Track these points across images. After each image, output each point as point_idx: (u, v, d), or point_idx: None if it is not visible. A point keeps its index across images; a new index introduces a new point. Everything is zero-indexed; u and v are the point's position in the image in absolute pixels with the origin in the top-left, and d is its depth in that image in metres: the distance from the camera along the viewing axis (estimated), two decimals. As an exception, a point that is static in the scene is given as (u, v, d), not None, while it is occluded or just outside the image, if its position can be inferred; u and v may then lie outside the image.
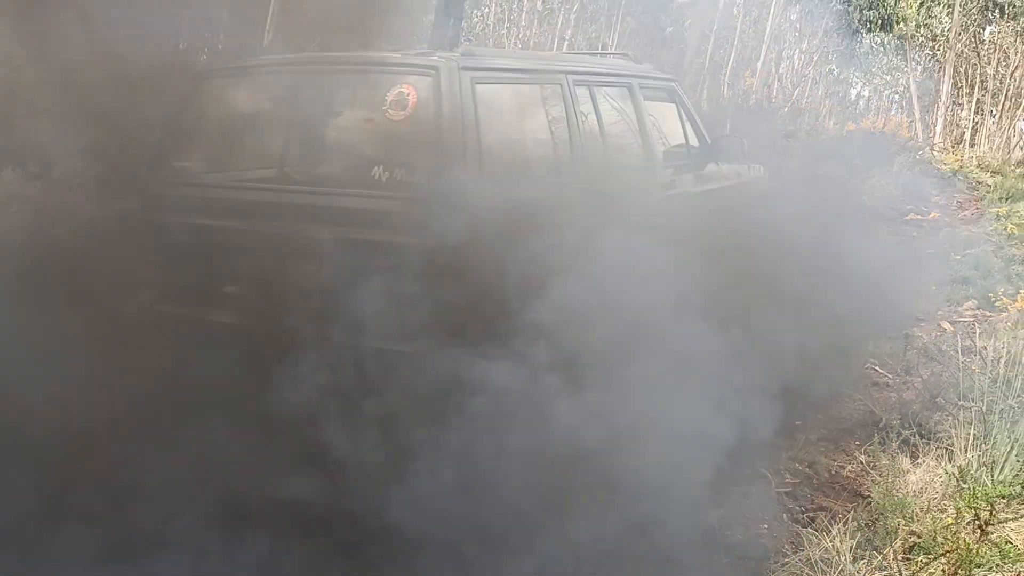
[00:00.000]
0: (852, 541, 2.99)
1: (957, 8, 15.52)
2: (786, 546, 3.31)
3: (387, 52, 4.36)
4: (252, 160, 4.02)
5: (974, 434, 3.65)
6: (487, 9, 13.92)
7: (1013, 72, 15.64)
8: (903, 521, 3.07)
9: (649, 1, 14.87)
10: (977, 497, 2.75)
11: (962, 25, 15.78)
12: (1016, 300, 6.15)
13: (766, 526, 3.58)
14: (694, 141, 5.02)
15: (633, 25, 15.15)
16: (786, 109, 14.61)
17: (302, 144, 3.86)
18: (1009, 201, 11.39)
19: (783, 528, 3.59)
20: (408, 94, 3.48)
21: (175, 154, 4.06)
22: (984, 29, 16.30)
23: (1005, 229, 9.74)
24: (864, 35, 16.55)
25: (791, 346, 4.01)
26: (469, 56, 3.79)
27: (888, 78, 18.44)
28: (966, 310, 6.87)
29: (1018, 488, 2.85)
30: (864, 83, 18.45)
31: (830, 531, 3.09)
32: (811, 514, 3.67)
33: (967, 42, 15.98)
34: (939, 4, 16.23)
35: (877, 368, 5.02)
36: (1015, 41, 15.63)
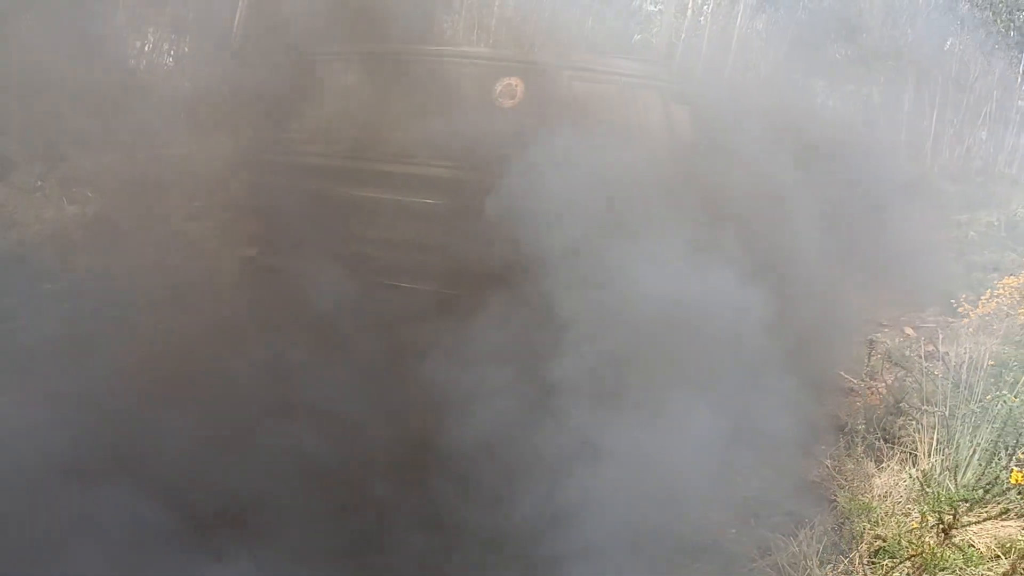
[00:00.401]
0: (819, 545, 3.01)
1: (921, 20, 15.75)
2: (754, 551, 3.32)
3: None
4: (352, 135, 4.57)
5: (937, 439, 3.69)
6: (457, 16, 13.91)
7: (973, 83, 15.93)
8: (868, 525, 3.09)
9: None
10: (940, 501, 2.78)
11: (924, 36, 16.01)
12: (977, 306, 6.24)
13: (734, 531, 3.59)
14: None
15: (602, 32, 15.21)
16: (753, 117, 14.71)
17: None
18: (970, 209, 11.60)
19: (751, 533, 3.60)
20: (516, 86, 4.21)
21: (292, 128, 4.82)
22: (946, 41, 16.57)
23: (967, 236, 9.92)
24: (831, 45, 16.74)
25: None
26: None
27: (852, 87, 18.66)
28: (929, 315, 6.97)
29: (980, 492, 2.88)
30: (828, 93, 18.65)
31: (797, 536, 3.11)
32: (778, 519, 3.69)
33: (928, 53, 16.22)
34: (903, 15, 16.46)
35: (843, 373, 5.07)
36: (976, 53, 15.92)
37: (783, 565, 2.95)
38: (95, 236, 5.51)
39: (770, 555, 3.11)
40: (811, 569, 2.83)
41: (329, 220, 4.30)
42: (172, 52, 10.33)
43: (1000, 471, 2.88)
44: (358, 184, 4.40)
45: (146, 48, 9.99)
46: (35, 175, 6.24)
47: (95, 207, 6.01)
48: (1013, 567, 2.66)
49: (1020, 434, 2.97)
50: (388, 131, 4.34)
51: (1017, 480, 2.42)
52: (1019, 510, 2.86)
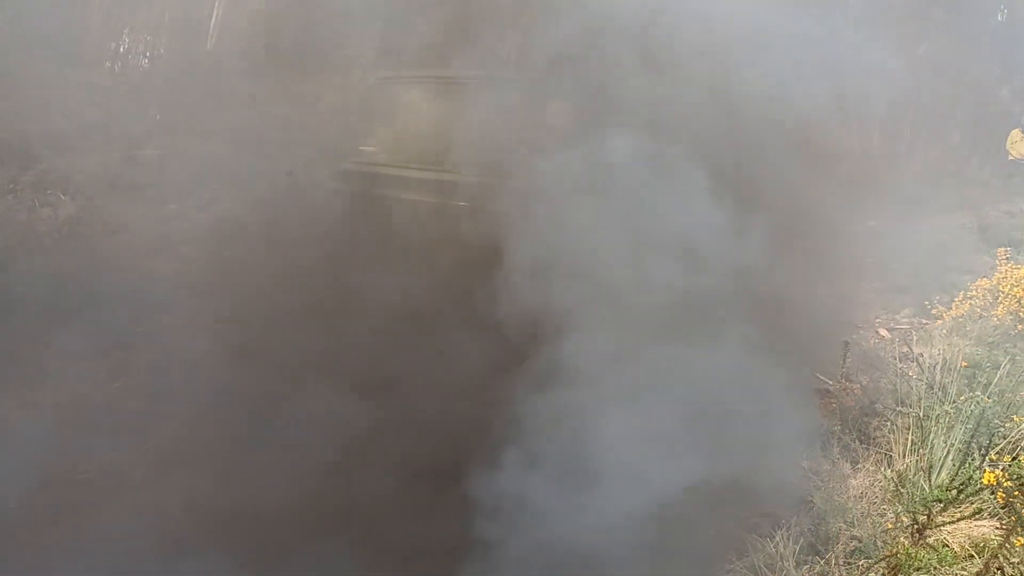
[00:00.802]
0: (795, 546, 3.03)
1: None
2: (731, 552, 3.34)
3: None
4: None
5: (912, 439, 3.72)
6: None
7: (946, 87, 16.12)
8: (844, 526, 3.11)
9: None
10: (915, 502, 2.80)
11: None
12: (951, 308, 6.30)
13: (711, 531, 3.60)
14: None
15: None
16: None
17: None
18: (943, 212, 11.73)
19: (729, 534, 3.62)
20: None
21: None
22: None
23: (940, 238, 10.03)
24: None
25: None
26: None
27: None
28: (903, 317, 7.03)
29: (954, 492, 2.90)
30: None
31: (774, 537, 3.12)
32: (756, 520, 3.70)
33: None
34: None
35: (818, 374, 5.09)
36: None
37: (760, 566, 2.97)
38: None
39: (747, 556, 3.12)
40: (788, 570, 2.85)
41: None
42: (148, 54, 10.25)
43: (973, 471, 2.91)
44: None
45: (121, 49, 9.90)
46: (8, 177, 6.17)
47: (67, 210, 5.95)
48: (986, 566, 2.68)
49: (993, 434, 3.00)
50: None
51: (990, 481, 2.45)
52: (992, 510, 2.89)
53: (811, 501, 3.66)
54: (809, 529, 3.29)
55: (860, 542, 3.07)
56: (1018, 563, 2.54)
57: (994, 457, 2.72)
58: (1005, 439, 3.35)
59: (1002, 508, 2.66)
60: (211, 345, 4.51)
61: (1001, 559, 2.66)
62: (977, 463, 3.07)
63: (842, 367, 4.60)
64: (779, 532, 3.14)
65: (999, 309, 5.80)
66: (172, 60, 9.51)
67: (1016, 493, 2.46)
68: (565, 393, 3.40)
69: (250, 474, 3.71)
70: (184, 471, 3.82)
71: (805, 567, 2.84)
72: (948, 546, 2.84)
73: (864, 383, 4.92)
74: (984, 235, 10.30)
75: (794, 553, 2.96)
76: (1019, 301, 5.68)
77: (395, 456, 3.79)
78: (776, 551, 3.01)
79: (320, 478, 3.67)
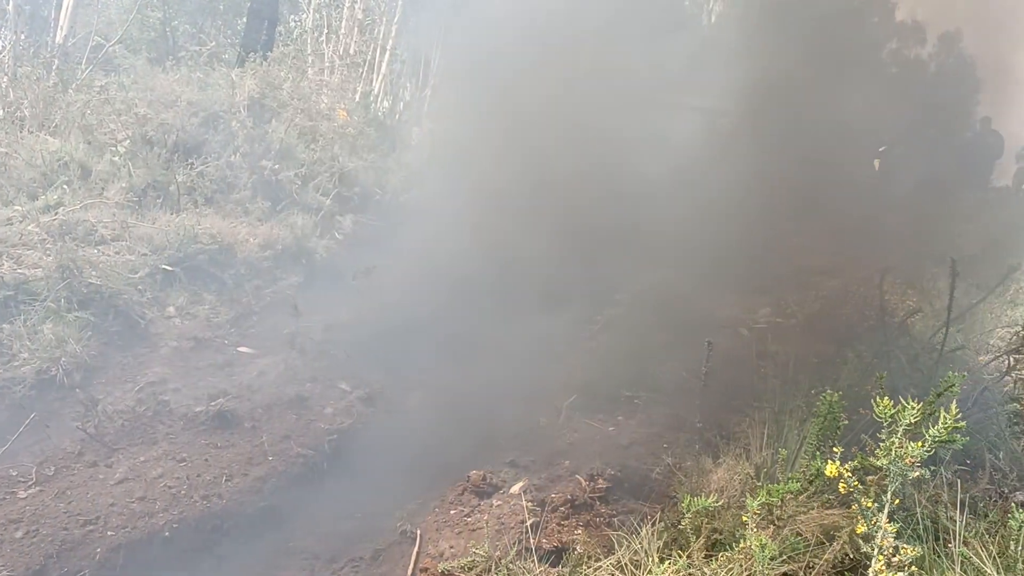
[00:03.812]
0: (659, 542, 3.09)
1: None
2: (599, 550, 3.37)
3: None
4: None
5: (768, 433, 3.88)
6: (304, 15, 13.53)
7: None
8: (706, 519, 3.19)
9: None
10: (771, 493, 2.89)
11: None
12: (804, 307, 6.63)
13: (580, 531, 3.63)
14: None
15: (458, 41, 15.20)
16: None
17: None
18: (799, 216, 12.32)
19: (597, 532, 3.66)
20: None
21: None
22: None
23: (796, 241, 10.52)
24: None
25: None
26: None
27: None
28: (761, 317, 7.34)
29: (806, 484, 3.03)
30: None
31: (640, 533, 3.18)
32: (622, 517, 3.77)
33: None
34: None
35: (684, 373, 5.26)
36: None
37: (625, 563, 3.01)
38: None
39: (613, 553, 3.16)
40: (651, 566, 2.90)
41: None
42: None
43: (823, 463, 3.05)
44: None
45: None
46: None
47: None
48: (836, 554, 2.81)
49: (839, 427, 3.15)
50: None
51: (833, 473, 2.56)
52: (840, 499, 3.03)
53: (676, 496, 3.76)
54: (673, 524, 3.36)
55: (721, 534, 3.16)
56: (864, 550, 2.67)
57: (839, 449, 2.86)
58: (852, 431, 3.54)
59: (844, 499, 2.79)
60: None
61: (850, 546, 2.80)
62: (826, 455, 3.22)
63: (705, 365, 4.75)
64: (645, 528, 3.20)
65: (847, 307, 6.14)
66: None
67: (857, 484, 2.58)
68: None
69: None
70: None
71: (668, 561, 2.90)
72: (801, 535, 2.96)
73: (726, 380, 5.10)
74: (837, 237, 10.86)
75: (658, 549, 3.02)
76: (864, 300, 6.03)
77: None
78: (641, 547, 3.07)
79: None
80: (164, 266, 6.46)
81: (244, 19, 12.55)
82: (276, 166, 8.32)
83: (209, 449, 4.74)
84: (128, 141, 7.86)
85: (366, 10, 13.86)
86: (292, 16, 14.58)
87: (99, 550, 3.82)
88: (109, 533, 3.91)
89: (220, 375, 5.64)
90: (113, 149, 7.75)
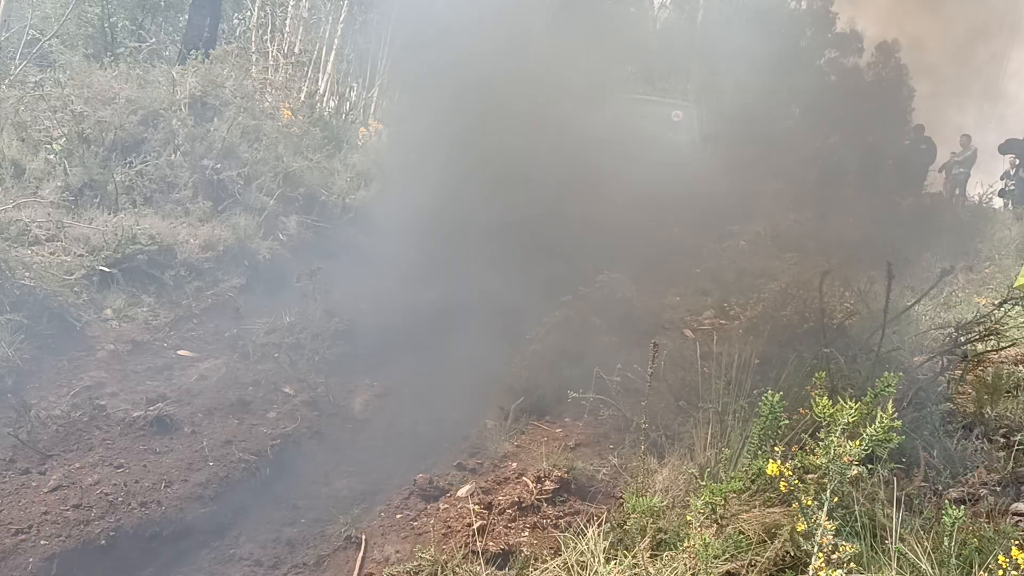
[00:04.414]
0: (605, 543, 3.10)
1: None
2: (545, 552, 3.38)
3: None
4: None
5: (712, 433, 3.93)
6: (248, 12, 13.32)
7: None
8: (651, 519, 3.22)
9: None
10: (713, 493, 2.93)
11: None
12: (746, 309, 6.75)
13: (526, 533, 3.64)
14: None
15: (407, 41, 15.14)
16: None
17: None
18: (741, 220, 12.57)
19: (543, 534, 3.67)
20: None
21: None
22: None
23: (738, 245, 10.73)
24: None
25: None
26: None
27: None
28: (705, 319, 7.45)
29: (748, 482, 3.08)
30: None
31: (586, 534, 3.19)
32: (569, 519, 3.78)
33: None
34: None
35: (629, 374, 5.29)
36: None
37: (572, 564, 3.02)
38: None
39: (560, 555, 3.17)
40: (597, 567, 2.91)
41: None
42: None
43: (764, 462, 3.10)
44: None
45: None
46: None
47: None
48: (778, 551, 2.86)
49: (780, 427, 3.20)
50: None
51: (773, 472, 2.61)
52: (781, 497, 3.09)
53: (621, 497, 3.78)
54: (619, 524, 3.39)
55: (666, 534, 3.19)
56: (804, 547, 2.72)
57: (780, 448, 2.91)
58: (792, 431, 3.60)
59: (784, 498, 2.84)
60: None
61: (791, 543, 2.85)
62: (767, 454, 3.28)
63: (650, 366, 4.79)
64: (591, 529, 3.21)
65: (788, 309, 6.26)
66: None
67: (796, 482, 2.63)
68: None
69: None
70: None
71: (614, 563, 2.91)
72: (744, 533, 3.00)
73: (671, 381, 5.16)
74: (777, 241, 11.11)
75: (604, 549, 3.03)
76: (804, 302, 6.15)
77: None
78: (587, 548, 3.08)
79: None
80: (101, 267, 6.29)
81: (186, 16, 12.30)
82: (218, 165, 8.16)
83: (147, 455, 4.62)
84: (64, 139, 7.64)
85: (311, 8, 13.71)
86: (235, 14, 14.36)
87: (32, 560, 3.69)
88: (42, 542, 3.79)
89: (159, 379, 5.51)
90: (48, 147, 7.52)
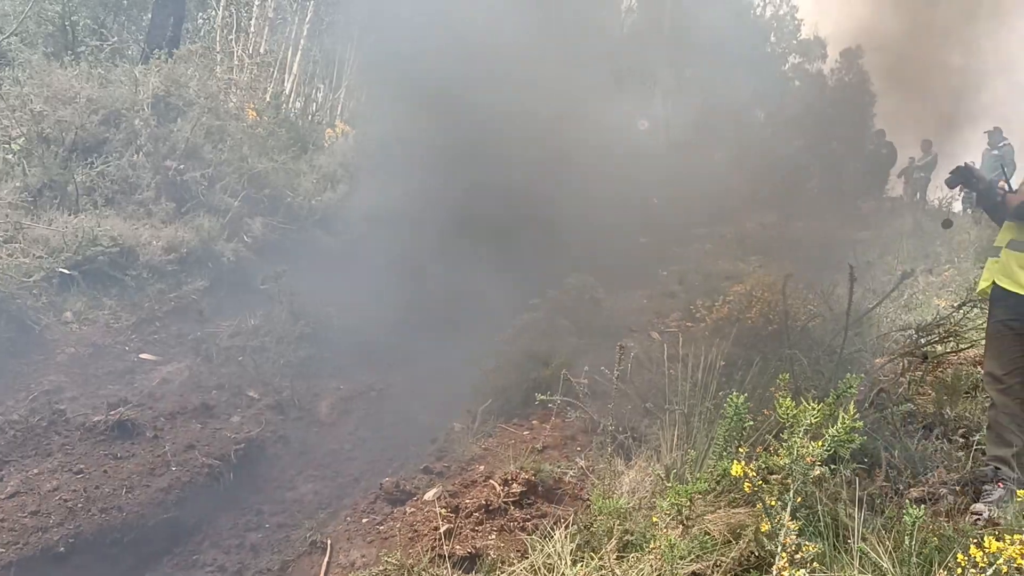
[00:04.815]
0: (572, 545, 3.10)
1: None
2: (512, 554, 3.37)
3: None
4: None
5: (678, 435, 3.95)
6: (213, 12, 13.16)
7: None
8: (618, 521, 3.22)
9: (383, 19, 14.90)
10: (679, 494, 2.94)
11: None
12: (712, 312, 6.80)
13: (493, 536, 3.63)
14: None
15: (374, 43, 15.08)
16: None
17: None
18: (707, 223, 12.69)
19: (510, 537, 3.66)
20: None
21: None
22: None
23: (705, 247, 10.82)
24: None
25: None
26: None
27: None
28: (672, 321, 7.50)
29: (713, 484, 3.09)
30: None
31: (553, 536, 3.18)
32: (536, 521, 3.78)
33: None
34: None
35: (597, 376, 5.31)
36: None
37: (539, 566, 3.01)
38: None
39: (527, 557, 3.16)
40: (564, 569, 2.91)
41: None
42: None
43: (729, 463, 3.12)
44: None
45: None
46: None
47: None
48: (743, 552, 2.88)
49: (744, 428, 3.23)
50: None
51: (738, 472, 2.63)
52: (746, 497, 3.11)
53: (588, 499, 3.79)
54: (586, 526, 3.39)
55: (632, 536, 3.20)
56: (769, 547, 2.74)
57: (744, 449, 2.93)
58: (757, 432, 3.64)
59: (749, 498, 2.85)
60: None
61: (755, 544, 2.87)
62: (732, 455, 3.30)
63: (617, 368, 4.81)
64: (558, 531, 3.21)
65: (753, 312, 6.32)
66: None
67: (761, 483, 2.65)
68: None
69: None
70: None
71: (580, 564, 2.91)
72: (709, 534, 3.02)
73: (638, 384, 5.18)
74: (742, 244, 11.22)
75: (571, 551, 3.03)
76: (769, 304, 6.22)
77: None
78: (554, 550, 3.07)
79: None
80: (61, 269, 6.18)
81: (149, 15, 12.12)
82: (182, 166, 8.04)
83: (108, 460, 4.54)
84: (22, 139, 7.49)
85: (277, 8, 13.59)
86: (200, 13, 14.18)
87: (-13, 568, 3.61)
88: (-1, 550, 3.70)
89: (120, 383, 5.42)
90: (6, 147, 7.37)
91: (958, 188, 3.88)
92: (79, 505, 4.10)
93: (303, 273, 7.61)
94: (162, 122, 8.36)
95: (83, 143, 7.75)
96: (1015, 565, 2.20)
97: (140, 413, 4.99)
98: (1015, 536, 2.25)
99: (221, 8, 12.88)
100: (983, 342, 4.01)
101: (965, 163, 3.76)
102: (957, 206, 15.74)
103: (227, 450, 4.96)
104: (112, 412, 4.85)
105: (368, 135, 11.97)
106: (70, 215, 6.84)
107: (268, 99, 12.41)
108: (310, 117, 14.59)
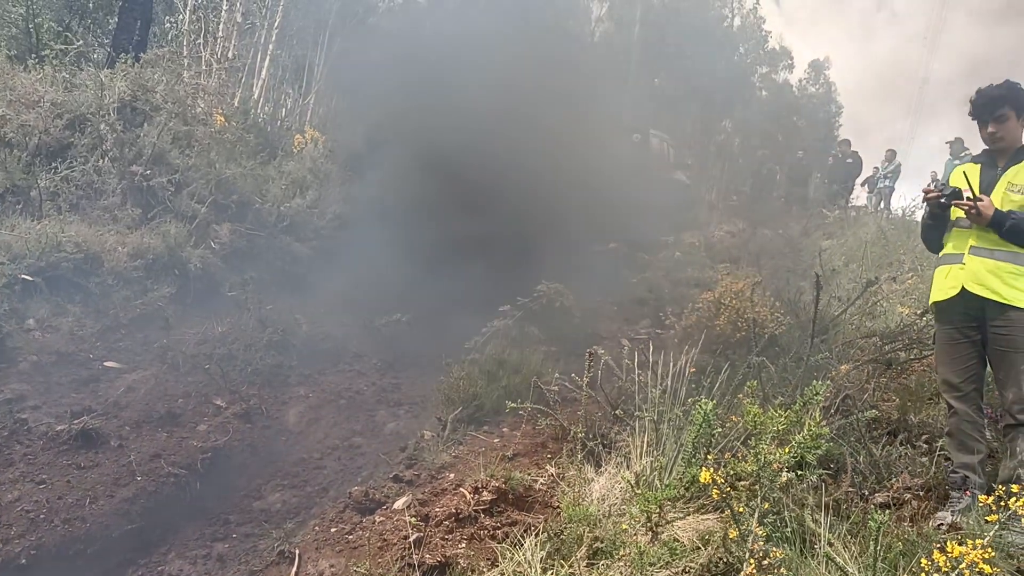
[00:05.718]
0: (542, 552, 3.10)
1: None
2: (483, 563, 3.36)
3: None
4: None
5: (647, 441, 3.96)
6: (181, 16, 13.03)
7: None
8: (588, 528, 3.22)
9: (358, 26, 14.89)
10: (648, 501, 2.96)
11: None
12: (681, 318, 6.85)
13: (463, 545, 3.61)
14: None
15: (339, 47, 15.02)
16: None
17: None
18: (676, 231, 12.80)
19: (481, 545, 3.65)
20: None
21: None
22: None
23: (673, 255, 10.89)
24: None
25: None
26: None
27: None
28: (642, 328, 7.55)
29: (682, 490, 3.11)
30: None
31: (523, 544, 3.18)
32: (506, 529, 3.77)
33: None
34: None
35: (567, 384, 5.32)
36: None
37: (509, 575, 3.01)
38: None
39: (497, 566, 3.15)
40: (534, 576, 2.91)
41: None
42: None
43: (698, 470, 3.14)
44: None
45: None
46: None
47: None
48: (711, 558, 2.90)
49: (712, 435, 3.25)
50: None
51: (706, 479, 2.65)
52: (715, 504, 3.13)
53: (559, 506, 3.79)
54: (556, 533, 3.39)
55: (602, 542, 3.20)
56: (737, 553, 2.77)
57: (713, 456, 2.95)
58: (725, 438, 3.66)
59: (717, 504, 2.88)
60: None
61: (723, 550, 2.89)
62: (701, 462, 3.32)
63: (587, 375, 4.82)
64: (528, 539, 3.20)
65: (721, 319, 6.38)
66: None
67: (729, 489, 2.67)
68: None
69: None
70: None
71: (551, 572, 2.91)
72: (679, 540, 3.03)
73: (608, 391, 5.20)
74: (710, 251, 11.32)
75: (541, 559, 3.03)
76: (737, 312, 6.28)
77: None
78: (524, 558, 3.07)
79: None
80: (24, 275, 6.06)
81: (115, 18, 11.96)
82: (148, 172, 7.94)
83: (71, 470, 4.47)
84: (-17, 142, 7.36)
85: (246, 13, 13.48)
86: (167, 17, 14.03)
87: (-56, 582, 3.53)
88: (-43, 563, 3.62)
89: (84, 391, 5.33)
90: (-34, 150, 7.23)
91: (922, 198, 3.90)
92: (41, 516, 4.03)
93: (271, 279, 7.55)
94: (128, 127, 8.25)
95: (47, 147, 7.62)
96: (977, 569, 2.23)
97: (105, 422, 4.92)
98: (977, 541, 2.29)
99: (188, 12, 12.75)
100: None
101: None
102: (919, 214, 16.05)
103: (194, 459, 4.90)
104: (76, 421, 4.77)
105: (337, 141, 11.92)
106: (33, 220, 6.73)
107: (236, 104, 12.30)
108: (279, 123, 14.49)
